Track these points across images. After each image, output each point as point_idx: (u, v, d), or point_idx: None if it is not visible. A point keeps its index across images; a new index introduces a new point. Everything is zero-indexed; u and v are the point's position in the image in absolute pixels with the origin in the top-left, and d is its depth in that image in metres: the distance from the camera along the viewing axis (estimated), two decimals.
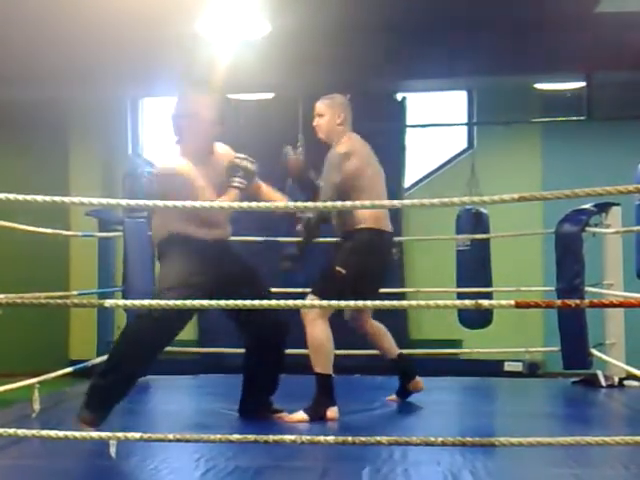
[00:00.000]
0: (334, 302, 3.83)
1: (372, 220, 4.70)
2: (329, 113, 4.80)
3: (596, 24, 6.42)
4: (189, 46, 6.62)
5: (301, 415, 4.49)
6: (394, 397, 5.12)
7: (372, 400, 5.10)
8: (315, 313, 4.58)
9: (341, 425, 4.39)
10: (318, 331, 4.57)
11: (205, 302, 3.52)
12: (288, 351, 4.60)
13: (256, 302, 3.36)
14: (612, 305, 5.51)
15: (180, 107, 4.41)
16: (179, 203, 3.46)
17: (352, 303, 3.70)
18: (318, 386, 4.56)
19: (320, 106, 4.84)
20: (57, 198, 3.35)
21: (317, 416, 4.48)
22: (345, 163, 4.66)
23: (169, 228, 4.33)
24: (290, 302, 3.50)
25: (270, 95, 8.78)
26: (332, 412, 4.52)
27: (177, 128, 4.39)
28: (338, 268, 4.67)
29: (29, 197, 3.30)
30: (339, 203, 3.98)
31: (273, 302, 3.64)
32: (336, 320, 4.71)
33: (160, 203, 3.43)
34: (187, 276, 4.18)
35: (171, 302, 3.58)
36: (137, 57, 7.18)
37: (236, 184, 4.29)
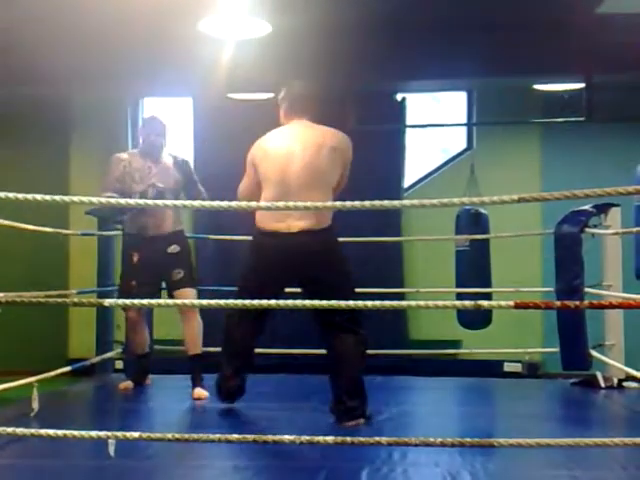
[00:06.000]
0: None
1: None
2: None
3: (597, 25, 6.40)
4: (190, 46, 6.61)
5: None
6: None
7: (370, 400, 5.09)
8: None
9: (340, 425, 4.39)
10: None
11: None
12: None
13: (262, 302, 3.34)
14: (611, 306, 5.53)
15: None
16: (185, 202, 3.44)
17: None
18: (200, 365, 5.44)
19: None
20: (57, 197, 3.35)
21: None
22: None
23: None
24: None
25: (270, 95, 8.76)
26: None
27: None
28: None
29: (29, 196, 3.30)
30: (339, 203, 3.63)
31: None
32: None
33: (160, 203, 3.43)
34: None
35: (170, 301, 3.58)
36: (138, 57, 7.17)
37: None
